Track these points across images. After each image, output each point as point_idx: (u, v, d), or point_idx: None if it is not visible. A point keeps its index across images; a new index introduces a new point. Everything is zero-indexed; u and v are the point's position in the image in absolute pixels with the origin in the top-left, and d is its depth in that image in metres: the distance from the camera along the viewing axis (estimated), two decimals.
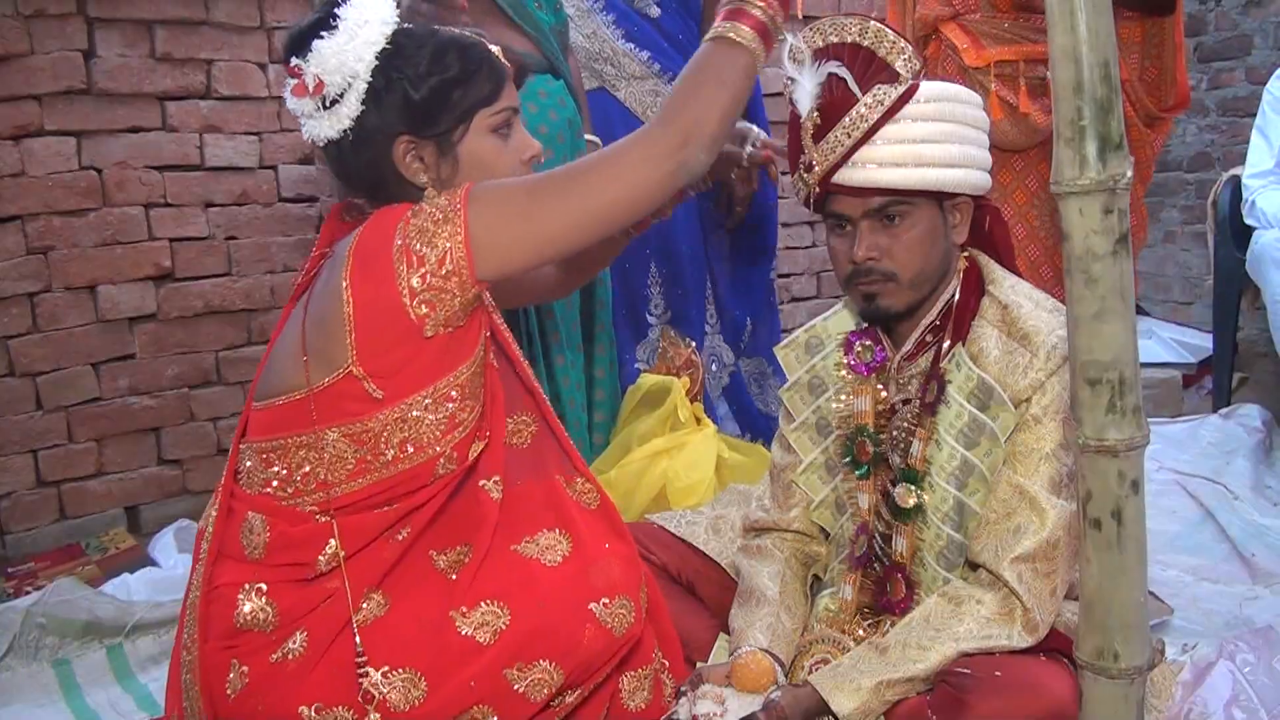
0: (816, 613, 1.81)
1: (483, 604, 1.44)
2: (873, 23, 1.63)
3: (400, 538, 1.49)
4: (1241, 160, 3.48)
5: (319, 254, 1.58)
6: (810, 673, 1.65)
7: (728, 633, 1.80)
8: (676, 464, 2.46)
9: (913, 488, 1.69)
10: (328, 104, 1.47)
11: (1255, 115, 3.44)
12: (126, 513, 3.11)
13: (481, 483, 1.56)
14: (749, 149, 2.11)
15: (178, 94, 3.09)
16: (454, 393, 1.47)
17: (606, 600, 1.47)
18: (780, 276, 4.23)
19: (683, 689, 1.66)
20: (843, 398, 1.80)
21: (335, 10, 1.48)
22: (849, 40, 1.63)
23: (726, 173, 2.16)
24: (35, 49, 2.83)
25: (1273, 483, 3.00)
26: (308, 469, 1.45)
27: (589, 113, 2.70)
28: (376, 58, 1.47)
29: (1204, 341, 4.15)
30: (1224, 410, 3.48)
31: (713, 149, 1.45)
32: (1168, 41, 2.44)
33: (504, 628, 1.43)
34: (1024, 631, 1.55)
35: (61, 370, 2.96)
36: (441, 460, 1.48)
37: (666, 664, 1.65)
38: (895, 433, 1.73)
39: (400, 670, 1.41)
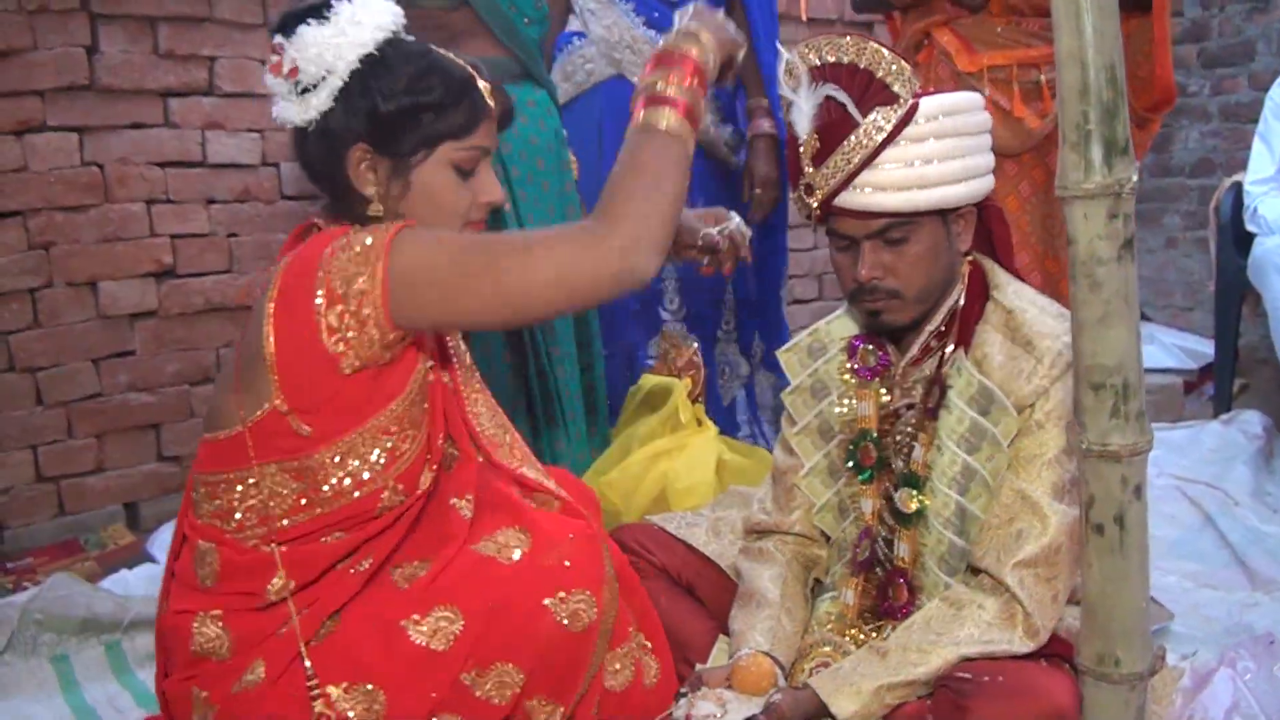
0: (817, 616, 1.81)
1: (436, 610, 1.42)
2: (870, 43, 1.62)
3: (362, 567, 1.46)
4: (1244, 166, 3.48)
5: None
6: (811, 676, 1.65)
7: (727, 635, 1.80)
8: (677, 465, 2.45)
9: (914, 493, 1.68)
10: (300, 91, 1.46)
11: (1258, 121, 3.44)
12: (125, 509, 3.10)
13: (453, 501, 1.55)
14: (715, 232, 1.94)
15: (180, 90, 3.08)
16: (392, 426, 1.44)
17: (564, 594, 1.45)
18: None
19: (682, 690, 1.66)
20: (846, 402, 1.80)
21: (334, 1, 1.46)
22: (846, 61, 1.62)
23: (683, 251, 1.97)
24: (38, 44, 2.83)
25: (1273, 489, 2.99)
26: (249, 503, 1.43)
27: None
28: (360, 60, 1.45)
29: (1205, 347, 4.14)
30: (1225, 416, 3.48)
31: (658, 254, 1.39)
32: (1149, 36, 2.42)
33: (458, 633, 1.41)
34: (1025, 636, 1.55)
35: (62, 366, 2.95)
36: (386, 493, 1.46)
37: (648, 645, 1.63)
38: (898, 437, 1.73)
39: (359, 686, 1.40)
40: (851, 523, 1.81)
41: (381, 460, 1.44)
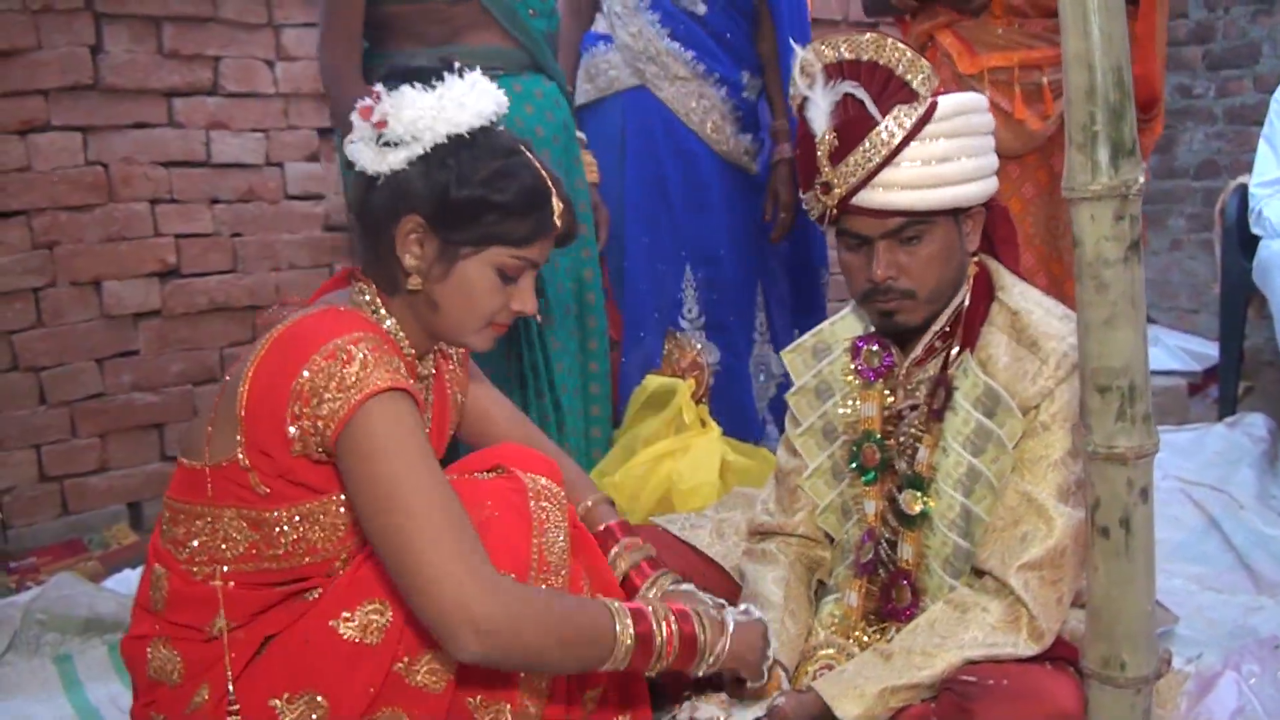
0: (821, 618, 1.80)
1: (364, 604, 1.40)
2: (889, 39, 1.61)
3: (311, 597, 1.45)
4: (1249, 169, 3.46)
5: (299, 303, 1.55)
6: (814, 679, 1.65)
7: None
8: (681, 466, 2.45)
9: (919, 494, 1.68)
10: (380, 142, 1.45)
11: (1263, 124, 3.43)
12: (129, 509, 3.11)
13: None
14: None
15: (185, 90, 3.09)
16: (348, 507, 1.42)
17: None
18: None
19: (685, 693, 1.66)
20: (850, 403, 1.79)
21: (446, 74, 1.46)
22: (865, 58, 1.61)
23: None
24: (42, 44, 2.84)
25: (1278, 492, 2.98)
26: (201, 539, 1.42)
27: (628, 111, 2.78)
28: (448, 138, 1.44)
29: (1210, 349, 4.14)
30: (1229, 419, 3.47)
31: (484, 661, 1.34)
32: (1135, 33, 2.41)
33: (388, 624, 1.39)
34: (1030, 639, 1.54)
35: (65, 365, 2.96)
36: (337, 563, 1.45)
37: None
38: (902, 439, 1.72)
39: (300, 694, 1.39)
40: (855, 524, 1.80)
41: (340, 531, 1.43)
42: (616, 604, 1.43)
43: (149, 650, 1.45)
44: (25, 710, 2.07)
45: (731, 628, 1.53)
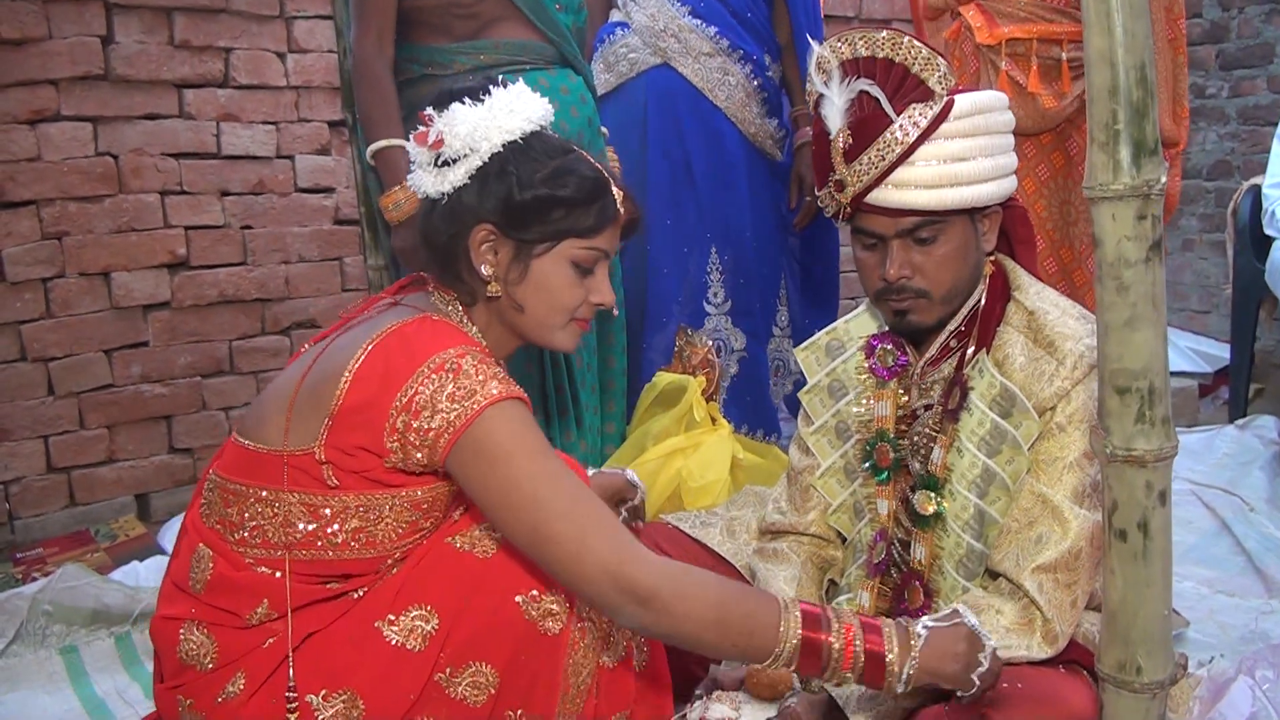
0: None
1: (410, 609, 1.41)
2: (905, 37, 1.59)
3: (356, 595, 1.46)
4: (1262, 169, 3.44)
5: (371, 302, 1.58)
6: None
7: None
8: (691, 464, 2.44)
9: (932, 495, 1.67)
10: (439, 163, 1.49)
11: (1276, 124, 3.41)
12: (137, 500, 3.11)
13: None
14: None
15: (195, 81, 3.09)
16: (423, 504, 1.45)
17: (536, 592, 1.44)
18: None
19: (697, 692, 1.65)
20: (863, 402, 1.78)
21: (491, 88, 1.50)
22: (881, 55, 1.59)
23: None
24: (53, 33, 2.84)
25: None
26: (258, 523, 1.42)
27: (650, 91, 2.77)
28: (503, 145, 1.48)
29: (1221, 351, 4.12)
30: (1240, 421, 3.45)
31: (632, 621, 1.34)
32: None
33: (433, 631, 1.40)
34: (1043, 642, 1.53)
35: (74, 356, 2.96)
36: (390, 560, 1.46)
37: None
38: (916, 439, 1.71)
39: (337, 693, 1.39)
40: (867, 524, 1.79)
41: (400, 529, 1.44)
42: (789, 601, 1.36)
43: (181, 632, 1.44)
44: (31, 701, 2.07)
45: (923, 639, 1.37)
